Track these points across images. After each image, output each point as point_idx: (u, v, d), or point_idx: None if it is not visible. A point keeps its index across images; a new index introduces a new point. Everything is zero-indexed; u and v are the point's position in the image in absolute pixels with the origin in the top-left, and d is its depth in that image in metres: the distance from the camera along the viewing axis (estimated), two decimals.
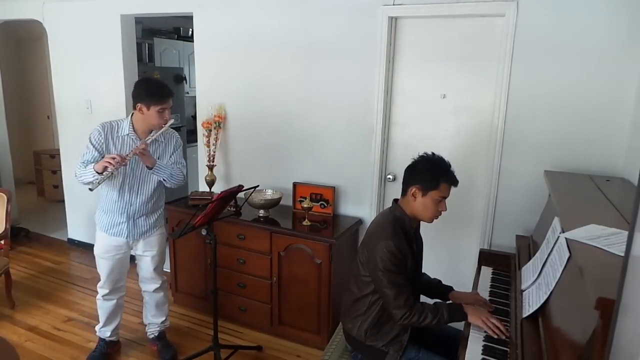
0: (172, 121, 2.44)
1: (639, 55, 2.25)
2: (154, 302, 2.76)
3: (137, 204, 2.49)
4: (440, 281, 2.16)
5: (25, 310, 3.28)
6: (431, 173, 1.86)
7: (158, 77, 2.68)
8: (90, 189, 2.29)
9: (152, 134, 2.39)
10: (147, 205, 2.53)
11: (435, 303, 1.87)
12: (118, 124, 2.44)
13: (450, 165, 1.89)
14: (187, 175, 2.57)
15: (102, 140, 2.38)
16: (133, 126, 2.43)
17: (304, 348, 2.89)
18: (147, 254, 2.62)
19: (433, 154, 1.92)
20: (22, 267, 3.97)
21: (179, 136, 2.59)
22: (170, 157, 2.52)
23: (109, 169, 2.21)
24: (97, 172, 2.25)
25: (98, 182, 2.24)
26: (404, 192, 1.93)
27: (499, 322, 1.74)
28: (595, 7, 2.29)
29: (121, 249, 2.55)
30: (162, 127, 2.39)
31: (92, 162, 2.32)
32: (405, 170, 1.95)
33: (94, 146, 2.37)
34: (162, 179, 2.45)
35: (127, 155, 2.29)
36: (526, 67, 2.48)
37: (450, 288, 2.12)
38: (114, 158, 2.21)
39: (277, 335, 2.99)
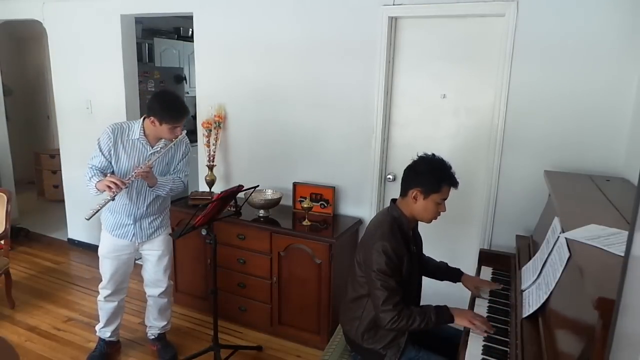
0: (183, 133, 2.41)
1: (639, 54, 2.25)
2: (157, 307, 2.75)
3: (144, 207, 2.48)
4: (446, 264, 2.21)
5: (25, 310, 3.28)
6: (433, 176, 1.84)
7: (173, 92, 2.62)
8: (87, 218, 2.25)
9: (160, 145, 2.38)
10: (154, 207, 2.52)
11: (422, 306, 1.86)
12: (129, 126, 2.40)
13: (451, 168, 1.88)
14: (187, 183, 2.57)
15: (111, 145, 2.35)
16: (144, 131, 2.39)
17: (304, 348, 2.89)
18: (153, 253, 2.60)
19: (433, 155, 1.91)
20: (22, 267, 3.97)
21: (189, 142, 2.56)
22: (178, 163, 2.51)
23: (109, 195, 2.19)
24: (97, 189, 2.24)
25: (94, 212, 2.20)
26: (404, 194, 1.92)
27: (485, 320, 1.80)
28: (596, 8, 2.29)
29: (127, 249, 2.54)
30: (172, 140, 2.38)
31: (99, 169, 2.32)
32: (405, 171, 1.94)
33: (102, 152, 2.35)
34: (162, 194, 2.45)
35: (129, 178, 2.27)
36: (526, 67, 2.47)
37: (458, 270, 2.17)
38: (115, 183, 2.18)
39: (277, 335, 2.99)
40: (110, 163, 2.37)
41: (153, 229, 2.56)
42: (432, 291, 2.35)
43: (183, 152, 2.52)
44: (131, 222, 2.48)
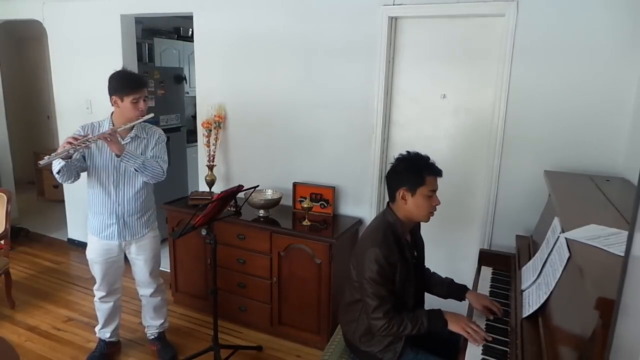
0: (150, 115, 2.38)
1: (639, 54, 2.25)
2: (152, 306, 2.75)
3: (125, 203, 2.46)
4: (452, 280, 2.11)
5: (25, 310, 3.28)
6: (413, 171, 1.83)
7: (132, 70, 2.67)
8: (59, 172, 2.25)
9: (128, 125, 2.35)
10: (136, 203, 2.49)
11: (414, 311, 1.83)
12: (99, 124, 2.43)
13: (429, 158, 1.87)
14: (166, 171, 2.46)
15: None
16: (113, 123, 2.41)
17: (304, 348, 2.89)
18: (140, 257, 2.60)
19: (408, 152, 1.90)
20: (22, 267, 3.97)
21: (162, 132, 2.56)
22: (152, 149, 2.48)
23: (66, 147, 2.14)
24: (59, 157, 2.19)
25: (49, 159, 2.17)
26: (392, 198, 1.90)
27: (479, 327, 1.74)
28: (596, 8, 2.29)
29: (114, 252, 2.53)
30: (140, 118, 2.36)
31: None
32: (387, 177, 1.92)
33: None
34: (134, 169, 2.35)
35: (91, 137, 2.23)
36: (526, 67, 2.47)
37: (464, 287, 2.05)
38: (75, 138, 2.17)
39: (277, 335, 2.99)
40: (84, 158, 2.38)
41: (138, 228, 2.53)
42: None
43: (156, 140, 2.50)
44: (114, 221, 2.47)
